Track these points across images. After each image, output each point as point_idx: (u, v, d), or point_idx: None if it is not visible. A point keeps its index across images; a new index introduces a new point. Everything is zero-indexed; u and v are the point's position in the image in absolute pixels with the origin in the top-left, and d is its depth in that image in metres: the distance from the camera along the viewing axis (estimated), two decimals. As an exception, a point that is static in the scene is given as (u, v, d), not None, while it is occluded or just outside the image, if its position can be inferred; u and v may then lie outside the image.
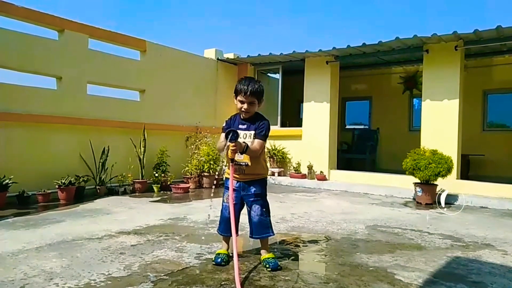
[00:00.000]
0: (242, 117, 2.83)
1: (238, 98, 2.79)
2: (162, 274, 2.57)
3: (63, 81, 5.97)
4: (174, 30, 36.81)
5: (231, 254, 2.79)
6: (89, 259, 2.87)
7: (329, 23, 35.66)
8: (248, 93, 2.72)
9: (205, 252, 3.09)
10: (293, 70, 9.37)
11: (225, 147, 2.55)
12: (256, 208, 2.81)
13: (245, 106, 2.76)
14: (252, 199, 2.80)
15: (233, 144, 2.51)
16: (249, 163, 2.76)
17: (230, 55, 9.23)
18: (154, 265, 2.76)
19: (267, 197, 2.89)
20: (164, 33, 35.84)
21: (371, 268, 2.80)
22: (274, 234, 2.90)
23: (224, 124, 2.87)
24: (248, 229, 2.91)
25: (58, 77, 5.95)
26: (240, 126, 2.81)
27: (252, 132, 2.77)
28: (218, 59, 9.04)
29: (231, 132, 2.51)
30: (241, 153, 2.67)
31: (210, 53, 9.06)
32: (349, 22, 34.73)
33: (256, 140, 2.75)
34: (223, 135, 2.70)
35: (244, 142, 2.66)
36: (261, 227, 2.81)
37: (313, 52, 7.90)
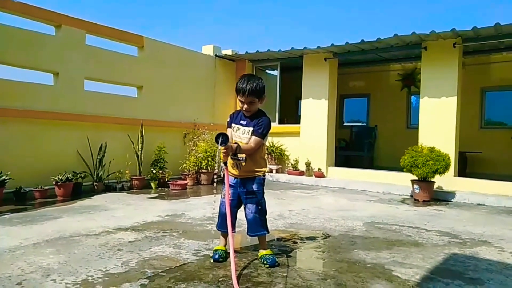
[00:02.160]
0: (244, 114, 2.85)
1: (238, 98, 2.80)
2: (160, 271, 2.57)
3: (60, 77, 5.93)
4: (172, 26, 36.67)
5: (228, 251, 2.79)
6: (86, 255, 2.86)
7: (327, 20, 35.61)
8: (247, 93, 2.71)
9: (203, 248, 3.09)
10: (292, 67, 9.35)
11: (218, 151, 2.56)
12: (251, 205, 2.81)
13: (245, 106, 2.77)
14: (248, 196, 2.80)
15: (224, 147, 2.50)
16: (246, 157, 2.77)
17: (228, 52, 9.19)
18: (151, 261, 2.76)
19: (265, 195, 2.89)
20: (162, 29, 35.71)
21: (368, 265, 2.81)
22: (268, 233, 2.91)
23: (228, 119, 2.94)
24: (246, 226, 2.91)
25: (55, 72, 5.91)
26: (241, 122, 2.83)
27: (251, 129, 2.77)
28: (216, 55, 9.01)
29: (220, 135, 2.50)
30: (234, 154, 2.68)
31: (208, 50, 9.03)
32: (347, 19, 34.69)
33: (253, 137, 2.74)
34: (228, 130, 2.78)
35: (235, 142, 2.68)
36: (255, 225, 2.81)
37: (311, 48, 7.88)
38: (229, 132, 2.85)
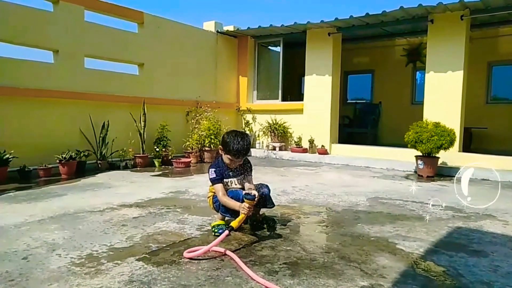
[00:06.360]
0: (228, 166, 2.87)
1: (229, 156, 2.77)
2: (164, 245, 2.58)
3: (60, 55, 5.85)
4: (172, 2, 35.95)
5: (228, 225, 2.81)
6: (91, 231, 2.88)
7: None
8: (242, 155, 2.78)
9: (207, 223, 3.10)
10: (295, 43, 9.17)
11: (242, 207, 2.59)
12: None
13: (237, 164, 2.84)
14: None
15: (253, 201, 2.59)
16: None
17: (230, 28, 9.03)
18: (156, 236, 2.77)
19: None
20: (162, 4, 35.02)
21: (372, 238, 2.81)
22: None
23: (213, 175, 2.82)
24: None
25: (55, 50, 5.83)
26: (230, 174, 2.89)
27: (242, 176, 2.89)
28: (217, 31, 8.85)
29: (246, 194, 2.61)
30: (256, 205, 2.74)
31: (209, 26, 8.85)
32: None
33: (249, 178, 2.91)
34: (218, 185, 2.76)
35: (254, 194, 2.64)
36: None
37: (315, 23, 7.71)
38: (221, 186, 2.80)
